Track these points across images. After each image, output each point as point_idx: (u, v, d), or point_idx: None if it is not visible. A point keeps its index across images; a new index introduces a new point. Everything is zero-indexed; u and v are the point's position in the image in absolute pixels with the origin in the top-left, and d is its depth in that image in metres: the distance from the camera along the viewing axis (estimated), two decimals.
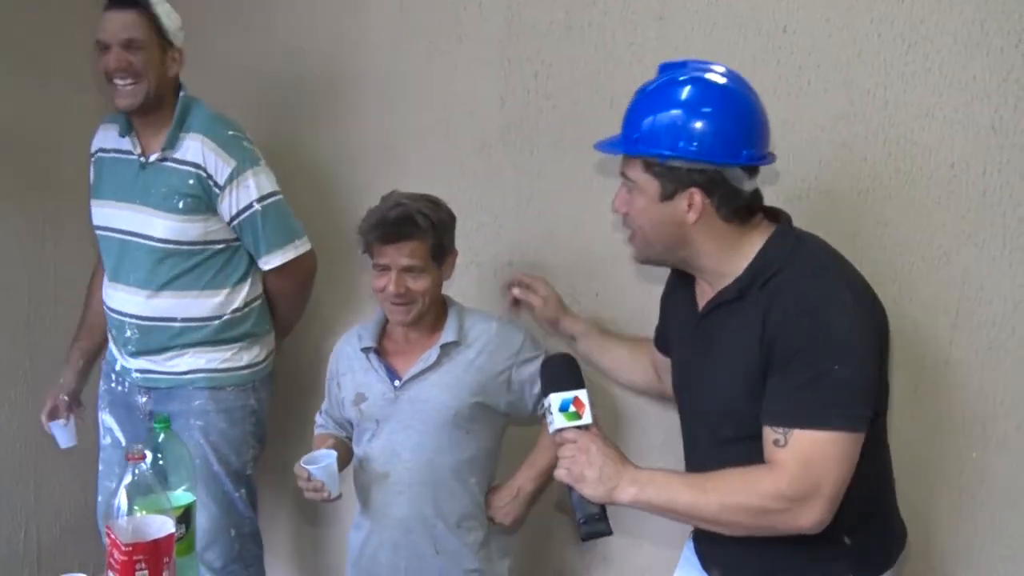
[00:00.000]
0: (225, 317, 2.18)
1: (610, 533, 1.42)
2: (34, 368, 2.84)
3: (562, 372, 1.49)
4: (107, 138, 2.23)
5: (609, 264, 2.06)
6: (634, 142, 1.44)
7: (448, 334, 1.88)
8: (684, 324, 1.58)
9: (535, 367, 1.87)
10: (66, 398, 2.36)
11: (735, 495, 1.35)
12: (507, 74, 2.17)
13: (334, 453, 1.80)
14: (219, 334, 2.18)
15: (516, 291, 1.95)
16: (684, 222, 1.43)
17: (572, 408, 1.41)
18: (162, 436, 1.54)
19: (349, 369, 1.96)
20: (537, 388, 1.87)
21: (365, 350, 1.93)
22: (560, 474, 1.43)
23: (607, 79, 2.03)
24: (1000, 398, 1.65)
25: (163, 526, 1.39)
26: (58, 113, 2.80)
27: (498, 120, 2.19)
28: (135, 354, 2.20)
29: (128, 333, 2.18)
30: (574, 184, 2.10)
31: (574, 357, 1.55)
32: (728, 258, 1.46)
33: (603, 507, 1.41)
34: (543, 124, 2.13)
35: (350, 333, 2.01)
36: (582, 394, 1.43)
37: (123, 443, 2.27)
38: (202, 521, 2.13)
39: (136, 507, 1.39)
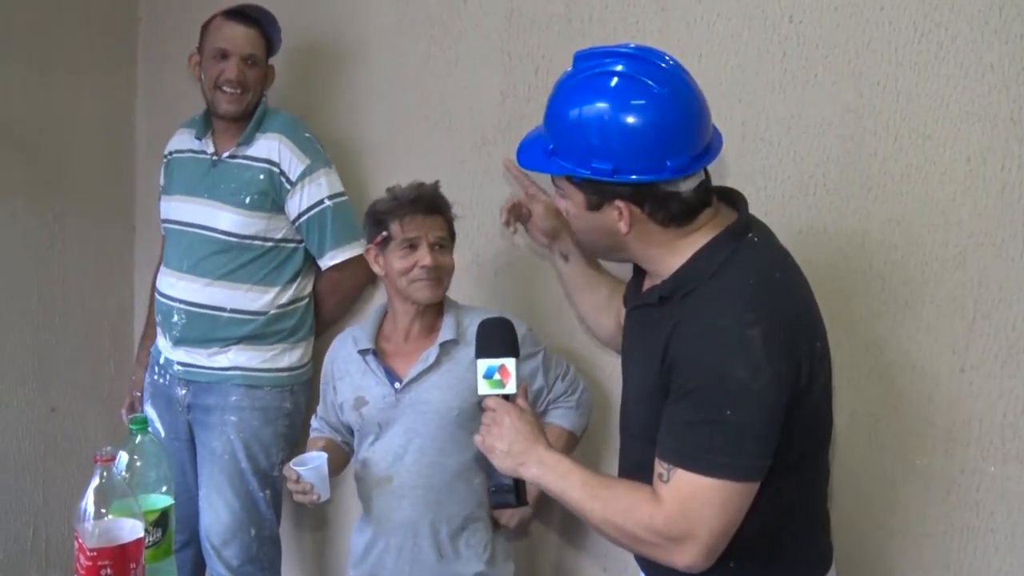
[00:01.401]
0: (272, 313, 2.25)
1: (516, 505, 1.43)
2: (43, 367, 2.87)
3: (494, 337, 1.47)
4: (181, 141, 2.37)
5: (610, 265, 1.99)
6: (549, 155, 1.33)
7: (446, 332, 1.86)
8: (628, 303, 1.50)
9: (536, 361, 1.86)
10: (139, 394, 2.49)
11: (617, 514, 1.31)
12: (508, 69, 2.14)
13: (324, 455, 1.79)
14: (264, 328, 2.25)
15: (519, 198, 1.77)
16: (616, 231, 1.33)
17: (497, 376, 1.41)
18: (139, 437, 1.51)
19: (346, 373, 1.94)
20: (537, 384, 1.86)
21: (363, 352, 1.90)
22: (476, 440, 1.45)
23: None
24: (1020, 408, 1.56)
25: (132, 530, 1.35)
26: (67, 110, 2.85)
27: (499, 116, 2.16)
28: (178, 342, 2.28)
29: (175, 318, 2.28)
30: None
31: (512, 323, 1.53)
32: (666, 261, 1.35)
33: (515, 479, 1.41)
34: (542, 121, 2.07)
35: (344, 336, 2.00)
36: (509, 363, 1.41)
37: (162, 434, 2.36)
38: (224, 517, 2.24)
39: (108, 511, 1.35)
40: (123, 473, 1.45)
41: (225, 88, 2.20)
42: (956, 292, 1.60)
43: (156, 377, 2.39)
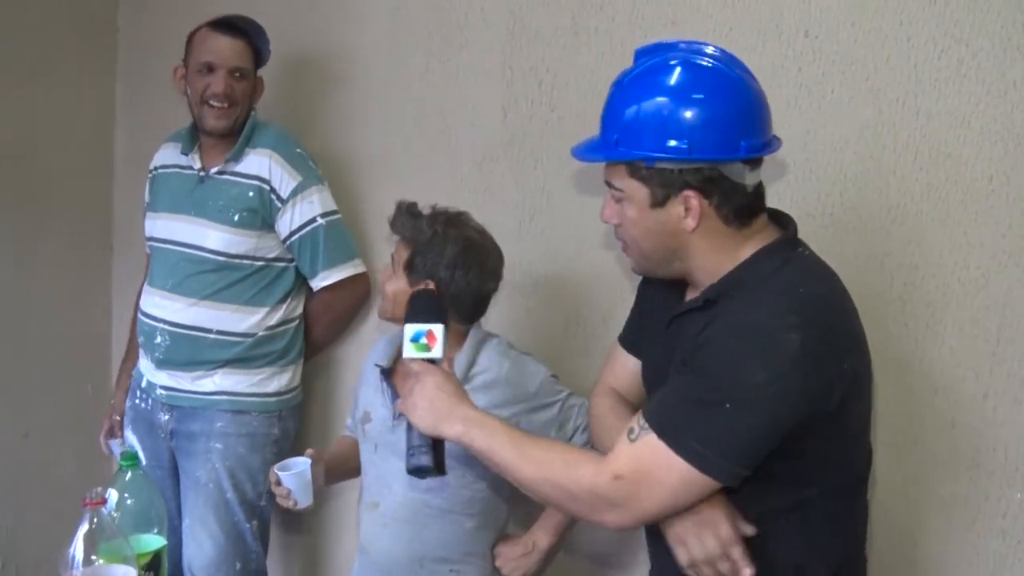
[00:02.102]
0: (260, 335, 2.19)
1: (436, 471, 1.39)
2: (15, 390, 2.77)
3: (423, 304, 1.47)
4: (166, 155, 2.30)
5: (618, 286, 1.96)
6: (613, 145, 1.30)
7: (457, 367, 1.76)
8: (659, 322, 1.45)
9: (551, 413, 1.76)
10: (119, 418, 2.41)
11: (552, 472, 1.28)
12: (510, 83, 2.10)
13: (308, 462, 1.75)
14: (251, 351, 2.19)
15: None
16: (681, 229, 1.30)
17: (423, 340, 1.41)
18: (129, 474, 1.44)
19: (366, 382, 1.90)
20: (554, 433, 1.76)
21: (377, 367, 1.84)
22: (398, 404, 1.45)
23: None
24: None
25: None
26: (41, 123, 2.77)
27: (500, 132, 2.11)
28: (161, 364, 2.22)
29: (158, 339, 2.21)
30: (580, 200, 2.01)
31: (443, 296, 1.57)
32: (720, 267, 1.32)
33: (433, 443, 1.38)
34: (548, 136, 2.05)
35: (379, 343, 1.93)
36: (437, 328, 1.41)
37: (143, 462, 2.23)
38: (208, 549, 2.16)
39: (97, 556, 1.27)
40: (113, 512, 1.37)
41: (212, 103, 2.14)
42: (979, 315, 1.57)
43: (138, 401, 2.31)
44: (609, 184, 1.36)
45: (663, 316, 1.43)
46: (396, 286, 1.77)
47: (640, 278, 1.56)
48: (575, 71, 2.01)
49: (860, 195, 1.67)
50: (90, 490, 1.28)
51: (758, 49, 1.76)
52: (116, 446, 2.41)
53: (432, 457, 1.37)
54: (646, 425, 1.23)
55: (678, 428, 1.21)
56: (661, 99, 1.29)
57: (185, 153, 2.24)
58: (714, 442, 1.19)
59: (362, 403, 1.87)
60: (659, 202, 1.29)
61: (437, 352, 1.41)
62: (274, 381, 2.24)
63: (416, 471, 1.39)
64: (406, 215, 1.78)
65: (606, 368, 1.64)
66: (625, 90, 1.33)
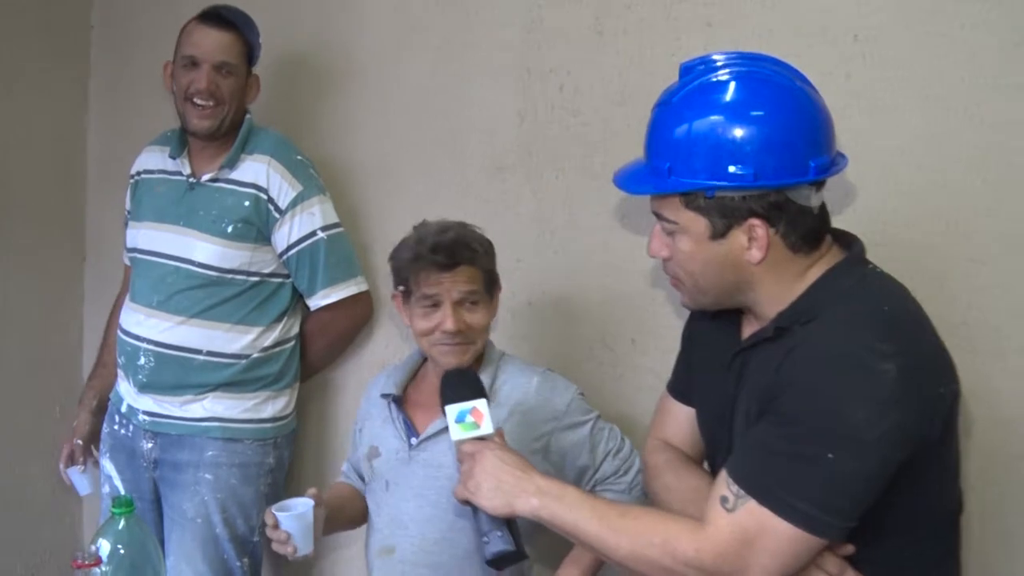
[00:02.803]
0: (253, 356, 2.05)
1: (520, 556, 1.29)
2: None
3: (458, 383, 1.40)
4: (150, 160, 2.15)
5: (646, 305, 1.86)
6: (665, 174, 1.19)
7: None
8: (715, 361, 1.35)
9: (582, 433, 1.65)
10: (80, 442, 2.25)
11: (649, 548, 1.17)
12: (527, 86, 1.98)
13: (311, 503, 1.60)
14: (243, 374, 2.05)
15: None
16: (746, 261, 1.20)
17: (469, 419, 1.35)
18: (123, 523, 1.29)
19: (369, 416, 1.77)
20: (581, 461, 1.66)
21: (386, 397, 1.71)
22: (456, 491, 1.31)
23: (644, 94, 1.77)
24: None
25: None
26: (8, 126, 2.64)
27: (516, 139, 2.00)
28: (145, 388, 2.06)
29: (141, 360, 2.05)
30: (605, 213, 1.90)
31: (473, 371, 1.47)
32: (786, 297, 1.22)
33: (509, 525, 1.28)
34: (569, 144, 1.93)
35: (382, 373, 1.81)
36: (480, 404, 1.35)
37: (121, 492, 2.11)
38: None
39: None
40: (104, 568, 1.22)
41: (196, 100, 1.99)
42: None
43: (116, 427, 2.15)
44: (659, 216, 1.25)
45: (720, 353, 1.33)
46: (485, 314, 1.64)
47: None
48: (600, 74, 1.89)
49: (916, 210, 1.57)
50: (79, 550, 1.13)
51: (803, 54, 1.61)
52: (77, 474, 2.25)
53: (510, 539, 1.28)
54: (741, 492, 1.12)
55: (779, 490, 1.10)
56: (717, 118, 1.17)
57: (174, 157, 2.08)
58: (821, 500, 1.09)
59: (367, 438, 1.73)
60: (719, 233, 1.19)
61: (487, 427, 1.34)
62: (269, 406, 2.09)
63: (497, 560, 1.28)
64: (461, 244, 1.62)
65: (656, 421, 1.54)
66: (674, 111, 1.21)
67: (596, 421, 1.68)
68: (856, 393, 1.09)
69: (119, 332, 2.13)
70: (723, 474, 1.16)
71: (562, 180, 1.94)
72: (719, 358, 1.32)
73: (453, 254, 1.60)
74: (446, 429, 1.60)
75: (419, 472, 1.64)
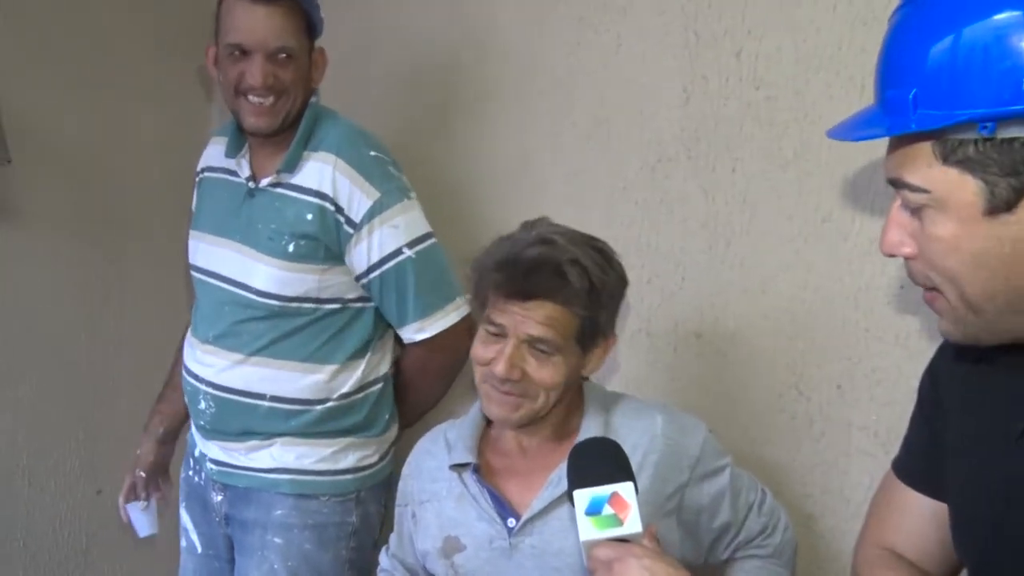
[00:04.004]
0: (330, 404, 1.71)
1: None
2: (89, 441, 2.48)
3: (594, 457, 1.09)
4: (214, 154, 1.86)
5: (858, 338, 1.43)
6: (910, 106, 0.82)
7: (585, 434, 1.30)
8: (994, 430, 0.93)
9: (721, 483, 1.32)
10: (143, 474, 2.00)
11: None
12: (694, 55, 1.60)
13: None
14: (318, 425, 1.72)
15: None
16: None
17: (608, 510, 1.04)
18: None
19: (433, 496, 1.38)
20: (722, 518, 1.32)
21: (458, 467, 1.34)
22: None
23: (854, 53, 1.41)
24: None
25: None
26: (126, 135, 2.48)
27: (680, 122, 1.63)
28: (208, 433, 1.80)
29: (202, 405, 1.78)
30: (800, 216, 1.49)
31: (615, 442, 1.14)
32: None
33: None
34: (749, 127, 1.55)
35: (433, 436, 1.45)
36: (625, 490, 1.04)
37: (199, 549, 1.87)
38: None
39: None
40: None
41: (251, 97, 1.65)
42: None
43: (191, 473, 1.89)
44: (898, 182, 0.86)
45: (1000, 417, 0.90)
46: (558, 371, 1.26)
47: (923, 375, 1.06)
48: (791, 33, 1.50)
49: None
50: None
51: None
52: (136, 512, 2.00)
53: None
54: None
55: None
56: (1004, 17, 0.78)
57: (230, 156, 1.77)
58: None
59: (433, 527, 1.35)
60: (1003, 203, 0.80)
61: (633, 524, 1.02)
62: (350, 455, 1.74)
63: None
64: (548, 270, 1.24)
65: (876, 516, 1.14)
66: (928, 14, 0.83)
67: (732, 466, 1.36)
68: None
69: (183, 367, 1.87)
70: None
71: (740, 173, 1.56)
72: (999, 425, 0.90)
73: (531, 280, 1.22)
74: (558, 502, 1.27)
75: (528, 565, 1.27)
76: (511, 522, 1.29)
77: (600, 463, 1.07)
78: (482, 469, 1.33)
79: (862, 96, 1.39)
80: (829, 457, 1.46)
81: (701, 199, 1.60)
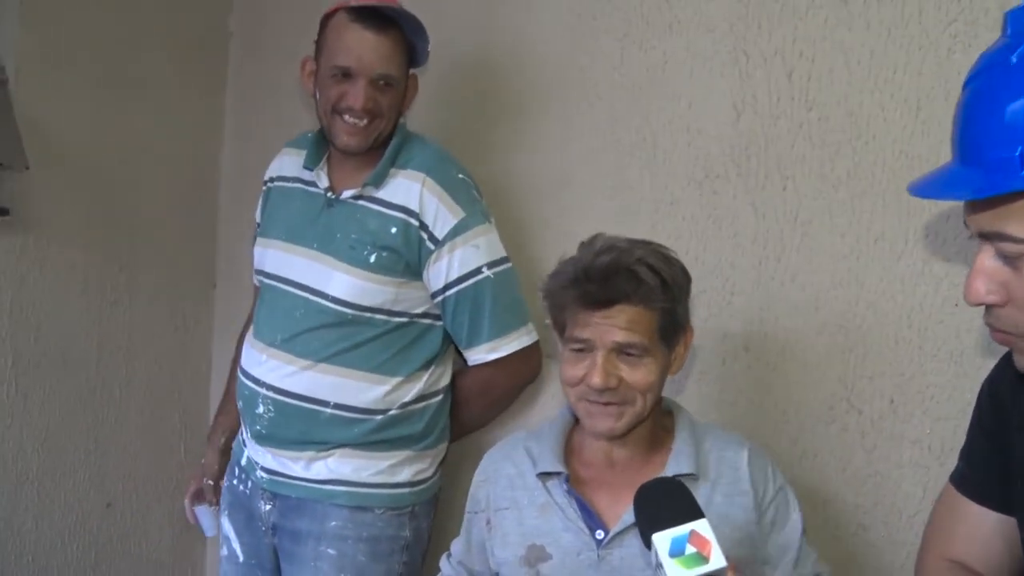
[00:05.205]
0: (391, 413, 1.75)
1: None
2: (99, 452, 2.45)
3: (661, 497, 1.09)
4: (287, 165, 1.89)
5: (911, 354, 1.46)
6: (1017, 164, 0.85)
7: (680, 460, 1.30)
8: None
9: (795, 524, 1.32)
10: (211, 482, 2.05)
11: None
12: (745, 73, 1.63)
13: None
14: (377, 434, 1.74)
15: None
16: None
17: (691, 549, 1.04)
18: None
19: (513, 504, 1.38)
20: (791, 555, 1.31)
21: (545, 476, 1.35)
22: None
23: (910, 75, 1.45)
24: None
25: None
26: (140, 140, 2.45)
27: (730, 139, 1.65)
28: (264, 440, 1.80)
29: (260, 409, 1.78)
30: (852, 234, 1.52)
31: (678, 481, 1.17)
32: None
33: None
34: (801, 146, 1.57)
35: (511, 444, 1.45)
36: (701, 526, 1.04)
37: (240, 558, 1.86)
38: None
39: None
40: None
41: (347, 117, 1.69)
42: None
43: (235, 482, 1.89)
44: (995, 236, 0.89)
45: None
46: (652, 371, 1.28)
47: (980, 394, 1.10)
48: (843, 54, 1.53)
49: None
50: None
51: None
52: (205, 513, 2.05)
53: None
54: None
55: None
56: None
57: (309, 167, 1.79)
58: None
59: (517, 535, 1.35)
60: None
61: (718, 560, 1.02)
62: (406, 468, 1.76)
63: None
64: (622, 273, 1.26)
65: (937, 529, 1.17)
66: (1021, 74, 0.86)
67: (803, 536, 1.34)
68: None
69: (239, 371, 1.87)
70: None
71: (792, 191, 1.58)
72: None
73: (608, 286, 1.25)
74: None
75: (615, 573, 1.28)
76: (599, 534, 1.29)
77: (668, 502, 1.07)
78: (571, 479, 1.34)
79: (918, 118, 1.43)
80: (882, 469, 1.48)
81: (751, 215, 1.62)
